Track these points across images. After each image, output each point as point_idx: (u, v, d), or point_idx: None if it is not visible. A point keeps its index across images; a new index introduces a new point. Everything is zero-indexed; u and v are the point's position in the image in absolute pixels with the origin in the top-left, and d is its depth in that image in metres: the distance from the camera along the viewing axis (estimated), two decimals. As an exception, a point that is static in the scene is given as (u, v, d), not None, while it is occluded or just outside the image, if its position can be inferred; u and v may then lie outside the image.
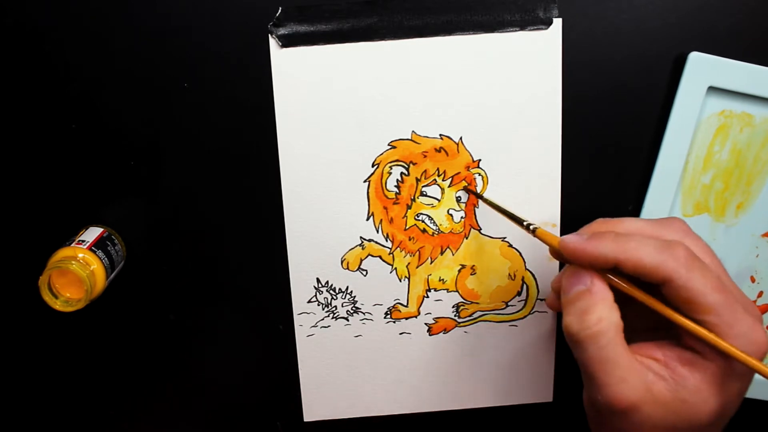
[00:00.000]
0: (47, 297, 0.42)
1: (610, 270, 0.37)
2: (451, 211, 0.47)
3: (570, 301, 0.37)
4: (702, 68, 0.45)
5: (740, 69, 0.45)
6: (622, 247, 0.36)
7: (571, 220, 0.48)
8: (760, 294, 0.50)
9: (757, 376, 0.48)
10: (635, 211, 0.48)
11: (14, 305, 0.48)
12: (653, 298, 0.36)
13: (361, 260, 0.48)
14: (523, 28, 0.44)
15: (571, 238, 0.37)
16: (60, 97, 0.44)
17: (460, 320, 0.49)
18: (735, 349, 0.34)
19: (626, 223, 0.39)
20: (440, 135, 0.46)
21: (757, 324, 0.35)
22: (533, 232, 0.41)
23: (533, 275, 0.49)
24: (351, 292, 0.48)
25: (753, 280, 0.50)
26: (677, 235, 0.38)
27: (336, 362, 0.50)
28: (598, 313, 0.36)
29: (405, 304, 0.49)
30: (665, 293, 0.36)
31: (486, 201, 0.46)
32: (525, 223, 0.41)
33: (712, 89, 0.46)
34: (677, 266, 0.35)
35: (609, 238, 0.36)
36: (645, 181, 0.47)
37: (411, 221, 0.47)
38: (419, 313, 0.49)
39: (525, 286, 0.49)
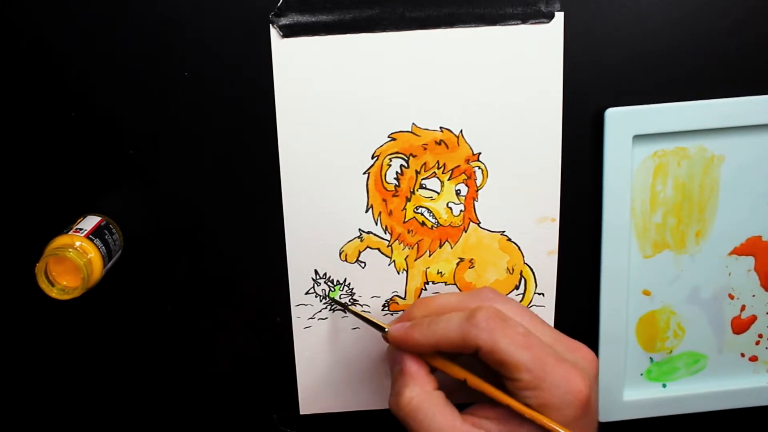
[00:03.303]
0: (44, 284, 0.42)
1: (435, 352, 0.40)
2: (450, 204, 0.47)
3: (392, 381, 0.41)
4: (621, 121, 0.45)
5: (659, 112, 0.45)
6: (432, 331, 0.39)
7: (570, 215, 0.47)
8: (743, 308, 0.51)
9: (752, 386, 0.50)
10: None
11: (10, 292, 0.47)
12: (465, 370, 0.39)
13: (360, 252, 0.48)
14: (524, 21, 0.44)
15: (395, 329, 0.41)
16: (59, 85, 0.44)
17: (458, 314, 0.49)
18: (519, 404, 0.37)
19: (439, 301, 0.42)
20: (440, 128, 0.46)
21: (572, 372, 0.36)
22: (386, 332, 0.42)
23: (532, 269, 0.48)
24: (349, 284, 0.48)
25: (732, 297, 0.50)
26: (481, 302, 0.40)
27: (333, 355, 0.50)
28: (409, 392, 0.39)
29: (403, 296, 0.48)
30: (482, 360, 0.38)
31: (350, 310, 0.47)
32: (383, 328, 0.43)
33: (638, 136, 0.46)
34: (479, 332, 0.37)
35: (423, 325, 0.39)
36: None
37: (410, 214, 0.47)
38: (417, 307, 0.49)
39: (523, 281, 0.49)
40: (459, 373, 0.40)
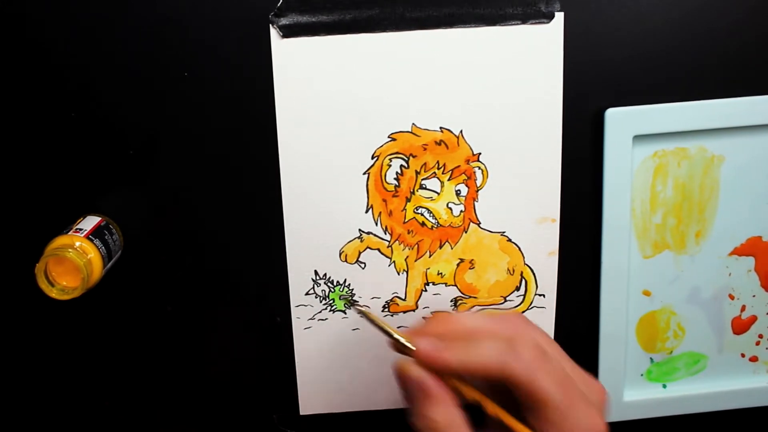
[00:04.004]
0: (43, 285, 0.42)
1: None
2: (450, 205, 0.47)
3: (411, 399, 0.39)
4: (621, 121, 0.45)
5: (659, 112, 0.45)
6: (467, 356, 0.37)
7: (570, 215, 0.47)
8: (743, 308, 0.51)
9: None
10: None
11: (10, 292, 0.47)
12: (479, 393, 0.39)
13: (360, 253, 0.47)
14: (524, 21, 0.44)
15: (426, 348, 0.38)
16: (59, 85, 0.44)
17: (458, 315, 0.49)
18: None
19: (464, 321, 0.40)
20: (440, 128, 0.46)
21: (593, 411, 0.36)
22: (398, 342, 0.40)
23: (532, 270, 0.48)
24: (349, 285, 0.48)
25: (732, 297, 0.50)
26: (517, 330, 0.39)
27: (333, 355, 0.49)
28: (432, 415, 0.38)
29: (403, 297, 0.48)
30: (511, 388, 0.37)
31: (366, 315, 0.44)
32: (396, 338, 0.40)
33: (639, 136, 0.46)
34: (519, 364, 0.36)
35: (457, 348, 0.38)
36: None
37: (410, 214, 0.47)
38: (417, 307, 0.49)
39: (524, 281, 0.49)
40: (473, 394, 0.39)
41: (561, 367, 0.37)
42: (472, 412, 0.39)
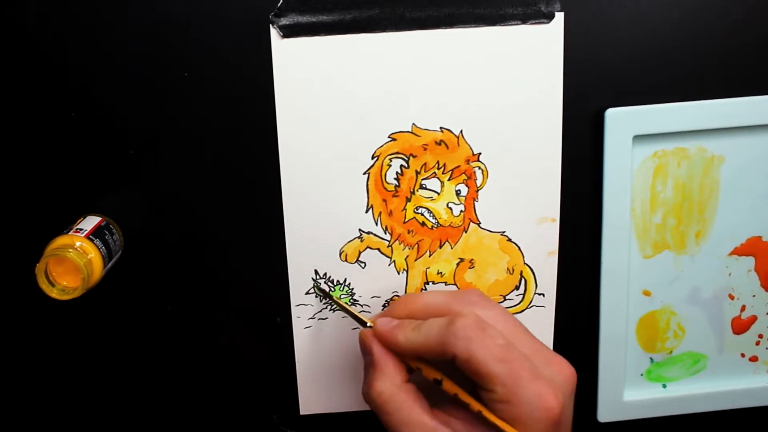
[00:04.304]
0: (44, 285, 0.42)
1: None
2: (450, 205, 0.47)
3: (364, 367, 0.41)
4: (621, 121, 0.45)
5: (659, 112, 0.45)
6: (414, 337, 0.39)
7: (570, 215, 0.48)
8: (743, 308, 0.51)
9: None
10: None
11: (10, 292, 0.47)
12: (439, 372, 0.39)
13: (360, 252, 0.48)
14: (524, 21, 0.44)
15: (382, 324, 0.40)
16: (59, 85, 0.44)
17: (458, 314, 0.49)
18: (490, 413, 0.36)
19: (423, 300, 0.41)
20: (441, 128, 0.46)
21: (546, 389, 0.36)
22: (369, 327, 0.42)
23: (532, 270, 0.48)
24: (349, 284, 0.48)
25: (732, 297, 0.50)
26: (467, 307, 0.39)
27: (333, 355, 0.50)
28: (379, 387, 0.39)
29: (403, 297, 0.48)
30: (459, 368, 0.37)
31: (334, 300, 0.47)
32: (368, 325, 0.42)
33: (639, 136, 0.46)
34: (456, 341, 0.37)
35: (407, 329, 0.39)
36: (645, 177, 0.47)
37: (410, 214, 0.47)
38: (417, 307, 0.49)
39: (523, 281, 0.49)
40: (433, 373, 0.39)
41: (502, 342, 0.37)
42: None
